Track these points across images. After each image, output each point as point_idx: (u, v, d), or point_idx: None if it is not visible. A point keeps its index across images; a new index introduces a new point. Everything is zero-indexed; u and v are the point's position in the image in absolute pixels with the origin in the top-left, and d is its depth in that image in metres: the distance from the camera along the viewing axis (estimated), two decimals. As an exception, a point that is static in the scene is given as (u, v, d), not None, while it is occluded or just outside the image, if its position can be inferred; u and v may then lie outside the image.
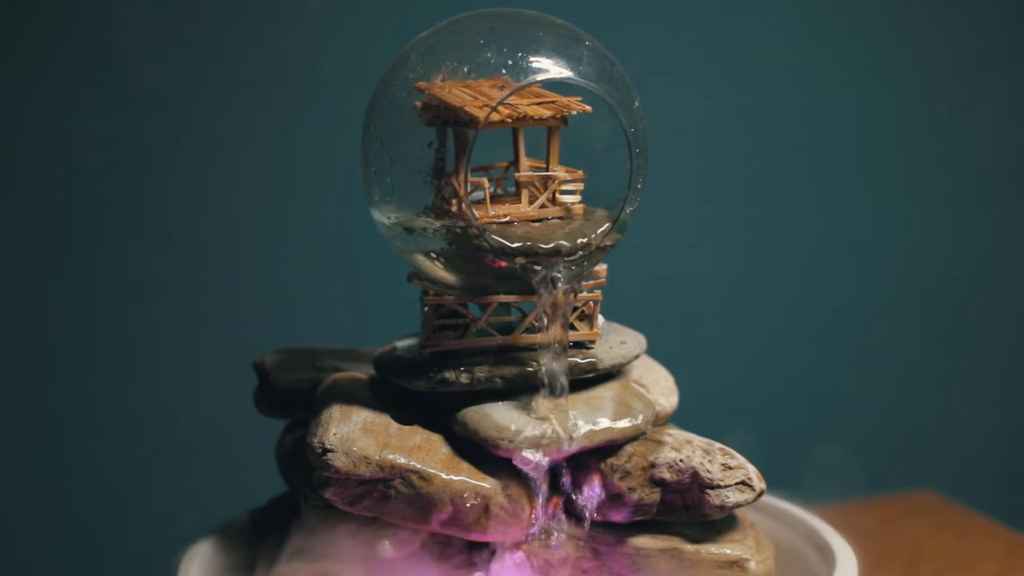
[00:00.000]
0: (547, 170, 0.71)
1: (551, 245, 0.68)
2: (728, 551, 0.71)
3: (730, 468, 0.71)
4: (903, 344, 1.38)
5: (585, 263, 0.69)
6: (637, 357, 0.74)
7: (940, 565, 1.03)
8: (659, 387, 0.76)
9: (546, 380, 0.69)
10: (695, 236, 1.29)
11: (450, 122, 0.69)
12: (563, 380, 0.69)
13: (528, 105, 0.69)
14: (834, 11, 1.31)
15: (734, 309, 1.31)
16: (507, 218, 0.70)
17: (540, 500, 0.69)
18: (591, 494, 0.70)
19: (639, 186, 0.70)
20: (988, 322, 1.41)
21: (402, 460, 0.68)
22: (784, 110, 1.30)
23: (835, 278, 1.35)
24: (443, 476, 0.68)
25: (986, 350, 1.41)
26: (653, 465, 0.70)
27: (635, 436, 0.71)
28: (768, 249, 1.32)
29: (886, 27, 1.33)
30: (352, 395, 0.73)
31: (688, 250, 1.28)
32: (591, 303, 0.73)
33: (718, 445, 0.72)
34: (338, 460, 0.68)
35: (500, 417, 0.69)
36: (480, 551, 0.71)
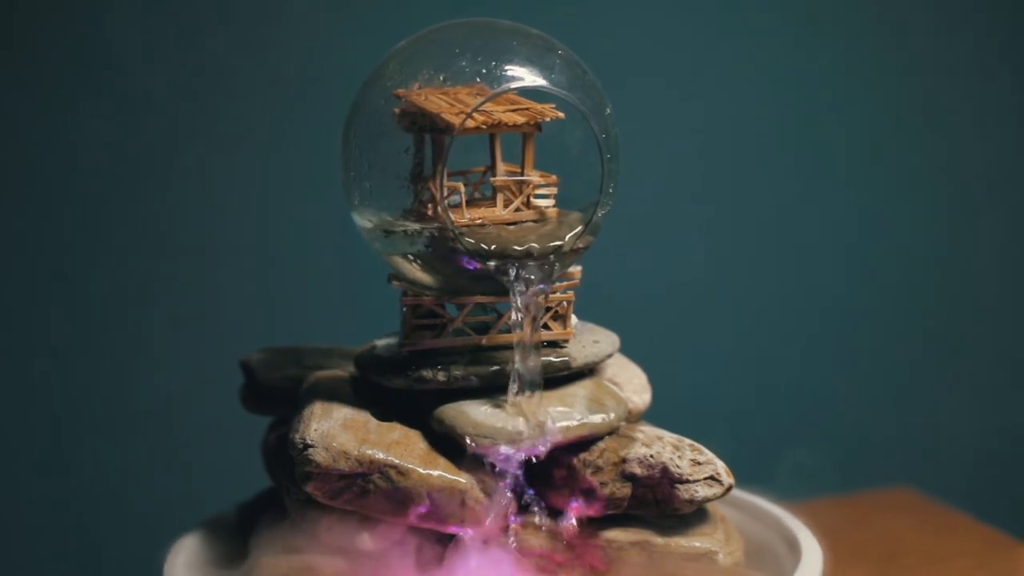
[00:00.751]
0: (522, 175, 0.73)
1: (524, 247, 0.71)
2: (697, 544, 0.73)
3: (699, 463, 0.73)
4: (882, 343, 1.40)
5: (558, 265, 0.72)
6: (610, 356, 0.76)
7: (916, 560, 1.05)
8: (632, 385, 0.78)
9: (520, 378, 0.71)
10: (677, 235, 1.30)
11: (427, 128, 0.71)
12: (537, 378, 0.72)
13: (503, 112, 0.71)
14: (828, 12, 1.32)
15: (716, 308, 1.33)
16: (482, 221, 0.72)
17: (514, 495, 0.72)
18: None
19: (611, 190, 0.72)
20: (967, 322, 1.42)
21: (380, 455, 0.70)
22: (773, 112, 1.32)
23: (817, 278, 1.37)
24: (420, 471, 0.70)
25: (965, 350, 1.42)
26: (624, 460, 0.72)
27: (607, 432, 0.73)
28: (750, 249, 1.34)
29: (877, 27, 1.35)
30: (334, 393, 0.75)
31: (671, 250, 1.30)
32: (564, 303, 0.75)
33: (688, 441, 0.74)
34: (318, 455, 0.70)
35: (476, 414, 0.71)
36: (457, 544, 0.73)
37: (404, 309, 0.74)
